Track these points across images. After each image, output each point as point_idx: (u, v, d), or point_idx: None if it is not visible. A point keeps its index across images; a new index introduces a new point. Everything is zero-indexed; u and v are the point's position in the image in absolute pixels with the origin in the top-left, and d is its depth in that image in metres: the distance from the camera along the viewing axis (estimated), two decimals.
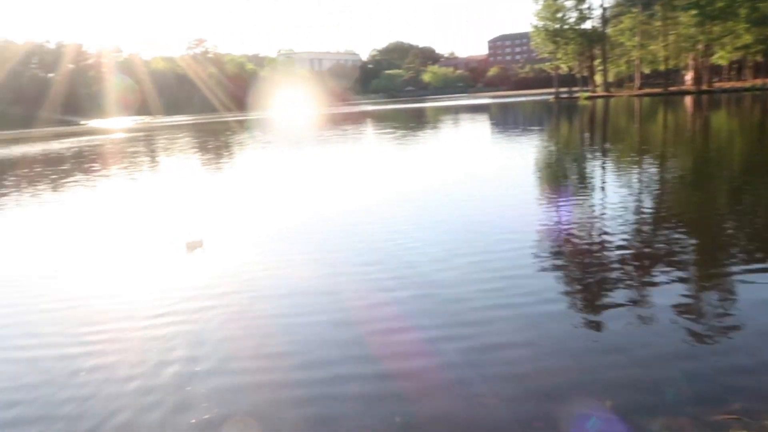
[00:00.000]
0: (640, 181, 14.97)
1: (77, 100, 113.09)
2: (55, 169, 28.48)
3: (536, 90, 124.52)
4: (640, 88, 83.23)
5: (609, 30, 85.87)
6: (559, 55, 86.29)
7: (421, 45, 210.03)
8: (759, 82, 75.18)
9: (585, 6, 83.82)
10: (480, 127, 41.83)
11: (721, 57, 76.67)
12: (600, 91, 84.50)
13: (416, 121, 53.26)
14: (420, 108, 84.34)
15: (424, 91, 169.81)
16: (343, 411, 4.74)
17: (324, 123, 56.35)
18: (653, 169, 16.89)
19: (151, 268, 9.46)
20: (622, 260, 8.14)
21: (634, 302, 6.53)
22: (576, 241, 9.38)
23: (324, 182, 18.42)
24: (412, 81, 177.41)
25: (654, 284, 7.07)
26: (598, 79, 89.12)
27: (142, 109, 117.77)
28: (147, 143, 45.22)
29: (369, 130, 45.03)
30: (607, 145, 25.34)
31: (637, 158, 19.61)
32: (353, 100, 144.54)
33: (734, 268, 7.55)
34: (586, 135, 31.48)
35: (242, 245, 10.61)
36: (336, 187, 17.16)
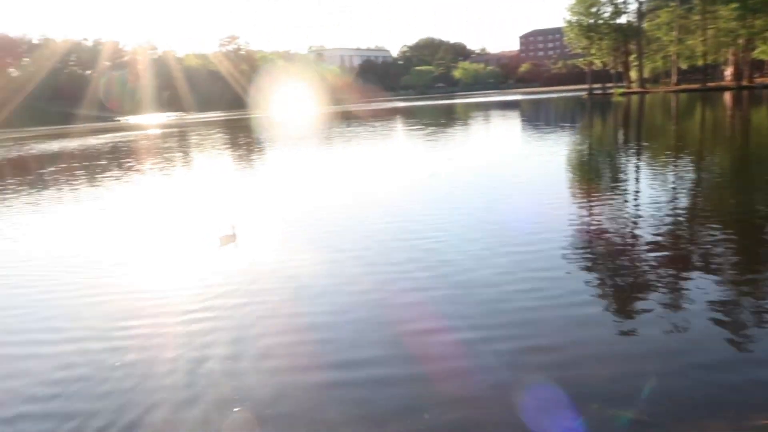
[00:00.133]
0: (676, 180, 14.63)
1: (114, 96, 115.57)
2: (91, 164, 29.20)
3: (569, 86, 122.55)
4: (676, 84, 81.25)
5: (645, 24, 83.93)
6: (593, 51, 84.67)
7: (452, 41, 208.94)
8: None
9: (620, 0, 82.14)
10: (511, 124, 41.42)
11: (762, 52, 74.22)
12: (635, 87, 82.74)
13: (446, 118, 52.98)
14: (450, 104, 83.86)
15: (454, 87, 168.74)
16: (374, 411, 4.75)
17: (354, 119, 56.47)
18: (690, 168, 16.48)
19: (186, 262, 9.61)
20: (659, 262, 7.96)
21: (671, 306, 6.38)
22: (611, 241, 9.21)
23: (355, 179, 18.47)
24: (442, 77, 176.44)
25: (691, 288, 6.89)
26: (633, 74, 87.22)
27: (175, 105, 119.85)
28: (180, 139, 46.02)
29: (398, 126, 44.98)
30: (643, 143, 24.83)
31: (674, 157, 19.17)
32: (383, 96, 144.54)
33: None
34: (621, 132, 30.90)
35: (275, 240, 10.71)
36: (367, 183, 17.19)
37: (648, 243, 8.84)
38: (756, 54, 75.12)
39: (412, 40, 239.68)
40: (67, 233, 12.94)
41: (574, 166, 18.48)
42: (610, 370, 5.10)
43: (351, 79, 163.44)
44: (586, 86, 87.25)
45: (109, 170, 25.94)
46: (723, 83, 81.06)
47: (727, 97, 58.72)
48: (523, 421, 4.42)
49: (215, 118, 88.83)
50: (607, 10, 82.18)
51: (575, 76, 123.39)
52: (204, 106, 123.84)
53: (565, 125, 35.54)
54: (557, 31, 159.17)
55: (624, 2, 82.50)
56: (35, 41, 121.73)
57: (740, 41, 72.29)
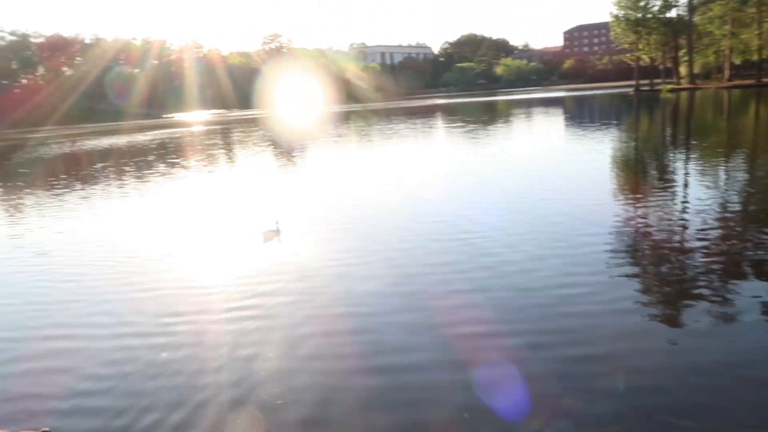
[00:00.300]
0: (728, 180, 14.08)
1: (160, 94, 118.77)
2: (139, 161, 30.09)
3: (614, 83, 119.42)
4: (729, 80, 78.16)
5: (696, 18, 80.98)
6: (640, 46, 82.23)
7: (494, 37, 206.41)
8: None
9: None
10: (554, 121, 40.65)
11: None
12: (684, 84, 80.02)
13: (488, 115, 52.44)
14: (491, 101, 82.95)
15: (496, 84, 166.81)
16: (407, 401, 4.77)
17: (394, 116, 56.47)
18: (743, 168, 15.83)
19: (231, 258, 9.78)
20: (710, 267, 7.67)
21: (722, 316, 6.12)
22: (658, 243, 8.92)
23: (398, 176, 18.46)
24: (484, 74, 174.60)
25: (742, 294, 6.61)
26: (683, 70, 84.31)
27: (219, 102, 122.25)
28: (223, 136, 46.91)
29: (439, 123, 44.74)
30: (692, 142, 24.00)
31: (725, 156, 18.47)
32: (423, 93, 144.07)
33: None
34: (669, 130, 29.96)
35: (317, 237, 10.79)
36: (410, 181, 17.15)
37: (698, 247, 8.51)
38: None
39: (454, 37, 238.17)
40: (116, 228, 13.35)
41: (619, 166, 18.01)
42: (660, 381, 4.93)
43: (391, 77, 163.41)
44: (632, 82, 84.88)
45: (156, 166, 26.65)
46: None
47: None
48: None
49: (257, 115, 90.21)
50: (656, 4, 79.63)
51: (621, 72, 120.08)
52: (247, 103, 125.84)
53: (611, 123, 34.64)
54: (603, 26, 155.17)
55: None
56: (87, 41, 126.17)
57: None
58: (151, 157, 31.66)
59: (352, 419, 4.70)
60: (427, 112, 61.27)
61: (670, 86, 76.44)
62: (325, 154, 28.32)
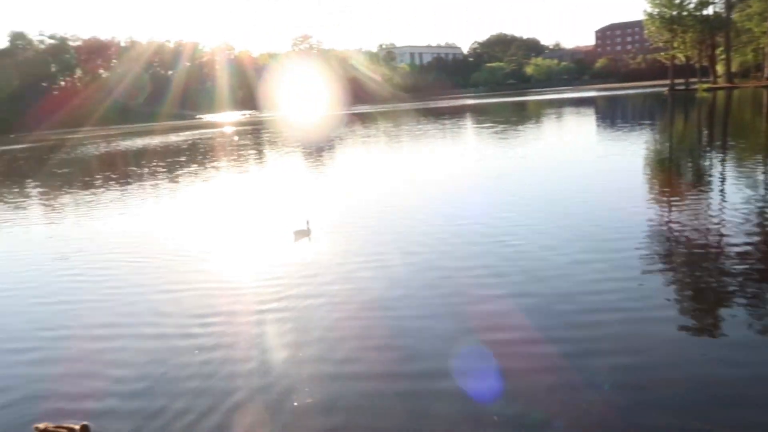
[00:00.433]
0: (765, 182, 13.68)
1: (192, 95, 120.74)
2: (172, 161, 30.64)
3: (648, 82, 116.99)
4: None
5: (734, 15, 78.82)
6: (675, 44, 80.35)
7: (524, 36, 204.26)
8: None
9: None
10: (586, 121, 40.06)
11: None
12: (721, 83, 77.95)
13: (518, 115, 51.96)
14: (522, 101, 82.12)
15: (526, 84, 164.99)
16: (441, 408, 4.73)
17: (423, 116, 56.35)
18: None
19: (262, 257, 9.90)
20: (740, 268, 7.49)
21: (751, 315, 5.99)
22: (694, 249, 8.70)
23: (426, 177, 18.42)
24: (514, 74, 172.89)
25: None
26: (720, 69, 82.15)
27: (249, 103, 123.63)
28: (254, 137, 47.45)
29: (468, 123, 44.50)
30: (730, 142, 23.37)
31: (764, 157, 17.94)
32: (453, 93, 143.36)
33: None
34: (705, 131, 29.23)
35: (348, 237, 10.84)
36: (438, 182, 17.10)
37: (737, 252, 8.25)
38: None
39: (483, 37, 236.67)
40: (149, 228, 13.62)
41: (654, 168, 17.65)
42: (685, 376, 4.86)
43: (420, 77, 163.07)
44: (667, 82, 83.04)
45: (188, 166, 27.11)
46: None
47: None
48: (594, 424, 4.27)
49: (287, 116, 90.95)
50: (693, 1, 77.59)
51: (655, 71, 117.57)
52: (276, 104, 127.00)
53: (645, 123, 33.96)
54: (636, 24, 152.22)
55: None
56: (123, 44, 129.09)
57: None
58: (183, 158, 32.22)
59: (384, 427, 4.67)
60: (456, 113, 61.00)
61: (706, 85, 74.54)
62: (354, 154, 28.43)
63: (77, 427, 4.68)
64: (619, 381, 4.93)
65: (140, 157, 35.80)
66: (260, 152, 33.44)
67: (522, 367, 5.35)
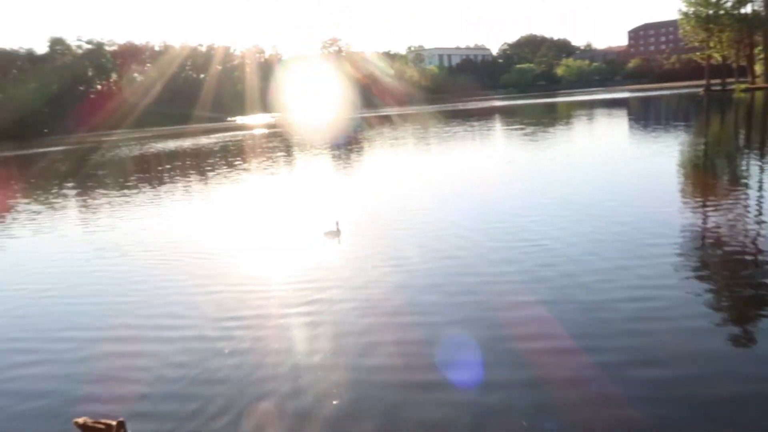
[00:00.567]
0: None
1: (224, 98, 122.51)
2: (203, 162, 31.13)
3: (683, 82, 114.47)
4: None
5: None
6: (711, 44, 78.32)
7: (555, 37, 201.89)
8: None
9: None
10: (618, 123, 39.35)
11: None
12: (760, 83, 75.74)
13: (548, 117, 51.35)
14: (552, 103, 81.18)
15: (556, 85, 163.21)
16: (473, 419, 4.66)
17: (452, 118, 56.12)
18: None
19: (292, 257, 9.98)
20: None
21: None
22: (733, 255, 8.46)
23: (455, 179, 18.34)
24: (544, 75, 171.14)
25: None
26: (759, 69, 79.80)
27: (280, 105, 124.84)
28: (284, 139, 47.89)
29: (497, 125, 44.16)
30: None
31: None
32: (481, 95, 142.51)
33: None
34: (742, 132, 28.44)
35: (377, 238, 10.86)
36: (467, 185, 17.01)
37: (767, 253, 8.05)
38: None
39: (513, 38, 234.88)
40: (181, 229, 13.85)
41: (689, 170, 17.23)
42: (727, 389, 4.70)
43: (449, 79, 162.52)
44: (702, 82, 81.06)
45: (219, 168, 27.50)
46: None
47: None
48: None
49: (316, 118, 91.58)
50: (730, 0, 75.82)
51: (690, 72, 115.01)
52: (306, 106, 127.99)
53: (679, 124, 33.22)
54: (670, 23, 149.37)
55: None
56: (157, 48, 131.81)
57: None
58: (213, 159, 32.70)
59: (394, 412, 4.73)
60: (485, 114, 60.60)
61: (743, 86, 72.51)
62: (382, 155, 28.47)
63: (113, 422, 4.80)
64: (662, 395, 4.79)
65: (172, 159, 36.45)
66: (289, 154, 33.73)
67: (560, 377, 5.21)
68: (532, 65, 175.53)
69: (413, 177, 19.67)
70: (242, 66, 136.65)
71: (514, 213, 12.00)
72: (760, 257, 8.18)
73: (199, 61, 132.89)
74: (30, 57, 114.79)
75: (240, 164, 28.86)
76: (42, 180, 29.12)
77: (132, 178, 26.61)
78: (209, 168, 27.80)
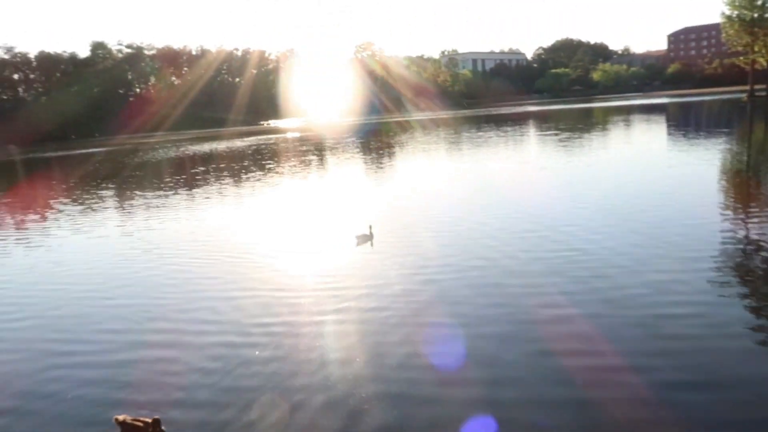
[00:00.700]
0: None
1: (258, 102, 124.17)
2: (237, 165, 31.52)
3: (725, 87, 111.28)
4: None
5: None
6: (756, 48, 75.90)
7: (591, 41, 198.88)
8: None
9: None
10: (656, 129, 38.40)
11: None
12: None
13: (583, 122, 50.45)
14: (587, 108, 79.87)
15: (592, 90, 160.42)
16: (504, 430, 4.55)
17: (484, 123, 55.68)
18: None
19: (325, 260, 9.99)
20: None
21: None
22: None
23: (487, 185, 18.13)
24: (579, 80, 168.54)
25: None
26: None
27: (313, 109, 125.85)
28: (316, 142, 48.20)
29: (531, 131, 43.60)
30: None
31: None
32: (516, 100, 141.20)
33: None
34: None
35: (410, 243, 10.79)
36: (499, 190, 16.79)
37: None
38: None
39: (548, 42, 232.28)
40: (215, 229, 13.99)
41: (729, 178, 16.67)
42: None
43: (483, 83, 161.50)
44: (746, 87, 78.67)
45: (252, 170, 27.80)
46: None
47: None
48: None
49: (349, 122, 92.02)
50: None
51: (733, 77, 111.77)
52: (339, 110, 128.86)
53: (721, 131, 32.22)
54: (712, 27, 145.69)
55: None
56: (194, 52, 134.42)
57: None
58: (247, 162, 33.08)
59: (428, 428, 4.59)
60: (519, 120, 59.96)
61: None
62: (415, 160, 28.35)
63: (150, 420, 4.92)
64: (686, 400, 4.66)
65: (207, 161, 37.03)
66: (322, 157, 33.90)
67: (607, 397, 5.00)
68: (567, 70, 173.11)
69: (446, 182, 19.52)
70: (276, 70, 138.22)
71: (550, 221, 11.76)
72: None
73: (234, 65, 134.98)
74: (73, 60, 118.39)
75: (273, 167, 29.12)
76: (82, 181, 29.88)
77: (168, 180, 27.09)
78: (243, 171, 28.13)
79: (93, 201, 21.27)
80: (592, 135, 35.63)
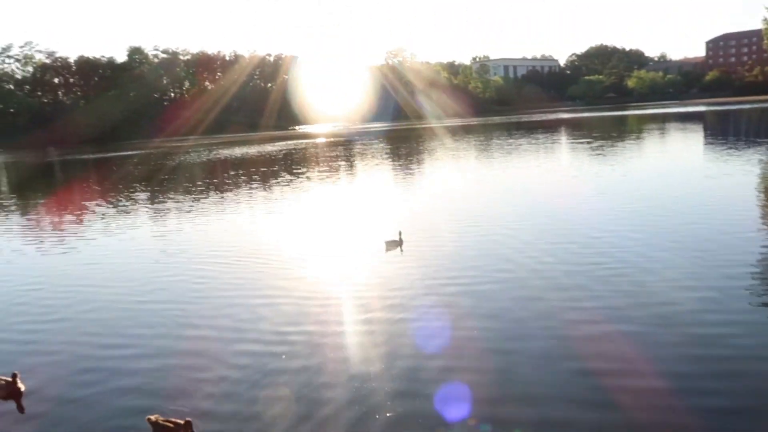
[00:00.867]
0: None
1: (289, 107, 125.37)
2: (267, 170, 31.76)
3: (766, 96, 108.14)
4: None
5: None
6: None
7: (627, 48, 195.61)
8: None
9: None
10: (693, 138, 37.42)
11: None
12: None
13: (617, 130, 49.49)
14: (621, 116, 78.45)
15: (627, 97, 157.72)
16: None
17: (515, 130, 55.12)
18: None
19: (352, 268, 9.90)
20: None
21: None
22: None
23: (517, 192, 17.86)
24: (613, 87, 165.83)
25: None
26: None
27: (343, 115, 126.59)
28: (345, 148, 48.35)
29: (563, 138, 42.97)
30: None
31: None
32: (547, 107, 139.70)
33: None
34: None
35: (438, 249, 10.66)
36: (530, 197, 16.51)
37: None
38: None
39: (582, 48, 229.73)
40: (244, 233, 14.07)
41: None
42: None
43: (514, 90, 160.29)
44: None
45: (282, 175, 27.96)
46: None
47: None
48: None
49: (378, 128, 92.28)
50: None
51: None
52: (369, 116, 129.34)
53: (761, 141, 31.18)
54: (753, 33, 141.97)
55: None
56: (228, 58, 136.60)
57: None
58: (277, 167, 33.31)
59: None
60: (551, 127, 59.21)
61: None
62: (444, 167, 28.15)
63: (182, 422, 4.91)
64: (729, 428, 4.40)
65: (238, 165, 37.42)
66: (352, 162, 33.94)
67: (621, 400, 4.88)
68: (601, 77, 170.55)
69: (475, 189, 19.30)
70: (306, 76, 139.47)
71: (584, 231, 11.47)
72: None
73: (266, 70, 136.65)
74: (111, 65, 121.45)
75: (303, 171, 29.26)
76: (117, 183, 30.46)
77: (200, 183, 27.42)
78: (273, 175, 28.32)
79: (126, 203, 21.62)
80: (626, 143, 34.91)
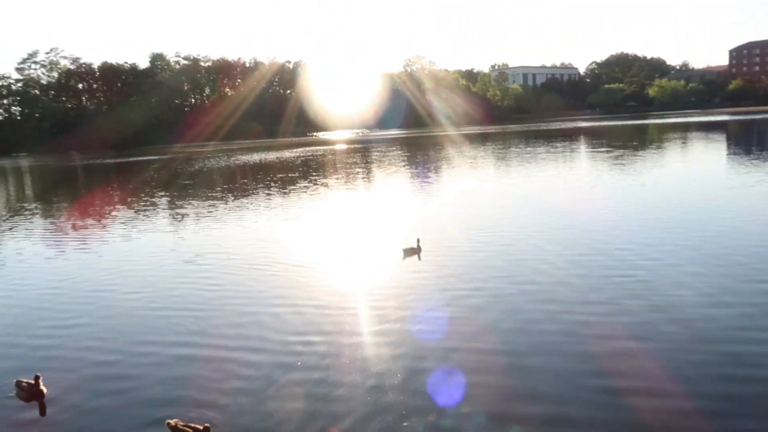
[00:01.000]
0: None
1: (308, 113, 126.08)
2: (286, 175, 31.89)
3: None
4: None
5: None
6: None
7: (648, 56, 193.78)
8: None
9: None
10: (715, 148, 36.84)
11: None
12: None
13: (637, 139, 48.94)
14: (642, 125, 77.56)
15: (648, 106, 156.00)
16: None
17: (534, 138, 54.78)
18: None
19: (369, 275, 9.87)
20: None
21: None
22: None
23: (536, 201, 17.70)
24: (634, 95, 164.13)
25: None
26: None
27: (362, 122, 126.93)
28: (363, 155, 48.46)
29: (582, 147, 42.59)
30: None
31: None
32: (566, 115, 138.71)
33: None
34: None
35: (457, 258, 10.57)
36: (550, 208, 16.32)
37: None
38: None
39: (602, 56, 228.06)
40: (260, 240, 14.08)
41: None
42: None
43: (533, 98, 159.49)
44: None
45: (300, 181, 28.06)
46: None
47: None
48: None
49: (395, 135, 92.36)
50: None
51: None
52: (387, 123, 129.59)
53: None
54: None
55: None
56: (248, 64, 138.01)
57: None
58: (296, 173, 33.46)
59: None
60: (570, 135, 58.75)
61: None
62: (463, 175, 28.05)
63: (201, 427, 4.93)
64: None
65: (257, 171, 37.68)
66: (369, 170, 33.98)
67: (646, 423, 4.73)
68: (621, 85, 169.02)
69: (494, 197, 19.18)
70: (327, 82, 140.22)
71: (605, 243, 11.29)
72: None
73: (285, 77, 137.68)
74: (133, 71, 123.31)
75: (320, 178, 29.36)
76: (138, 188, 30.84)
77: (218, 189, 27.65)
78: (291, 181, 28.44)
79: (147, 208, 21.86)
80: (646, 153, 34.49)
